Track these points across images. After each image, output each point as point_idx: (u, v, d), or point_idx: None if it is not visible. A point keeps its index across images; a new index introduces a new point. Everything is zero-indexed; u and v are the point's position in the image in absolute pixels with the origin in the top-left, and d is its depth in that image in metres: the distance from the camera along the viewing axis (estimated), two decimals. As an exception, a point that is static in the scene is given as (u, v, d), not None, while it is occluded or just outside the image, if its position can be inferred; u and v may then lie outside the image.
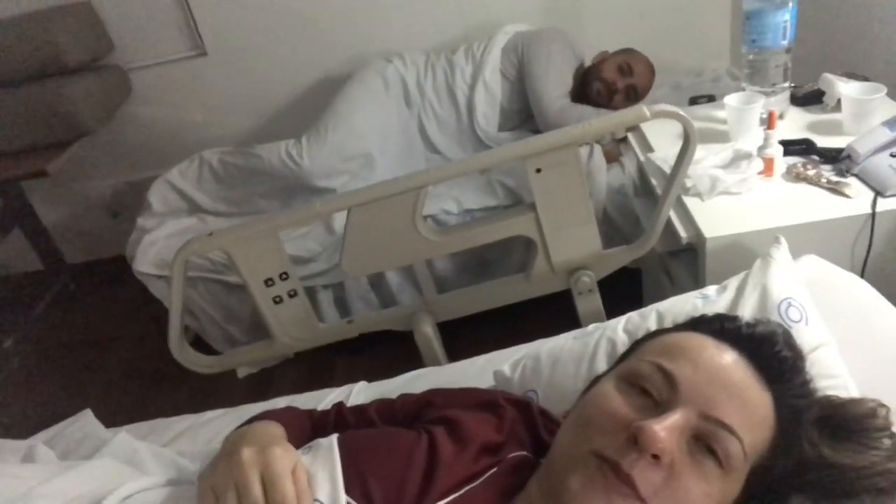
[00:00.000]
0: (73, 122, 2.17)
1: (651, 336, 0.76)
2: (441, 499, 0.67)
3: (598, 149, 2.03)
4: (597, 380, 0.76)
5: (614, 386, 0.67)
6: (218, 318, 2.11)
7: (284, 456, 0.66)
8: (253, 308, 1.97)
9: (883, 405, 0.71)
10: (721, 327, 0.71)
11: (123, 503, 0.70)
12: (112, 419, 1.22)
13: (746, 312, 0.88)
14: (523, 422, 0.83)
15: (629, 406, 0.64)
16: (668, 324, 0.89)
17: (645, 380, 0.65)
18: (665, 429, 0.59)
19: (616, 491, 0.59)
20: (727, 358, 0.66)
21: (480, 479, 0.71)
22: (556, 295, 1.59)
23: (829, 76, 1.58)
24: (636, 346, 0.77)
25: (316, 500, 0.65)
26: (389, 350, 1.85)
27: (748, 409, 0.63)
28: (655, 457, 0.59)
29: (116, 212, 2.78)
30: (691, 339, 0.69)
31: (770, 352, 0.68)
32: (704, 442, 0.61)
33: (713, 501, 0.62)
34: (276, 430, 0.77)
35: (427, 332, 1.46)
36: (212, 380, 1.96)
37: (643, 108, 1.22)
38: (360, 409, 0.90)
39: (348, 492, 0.65)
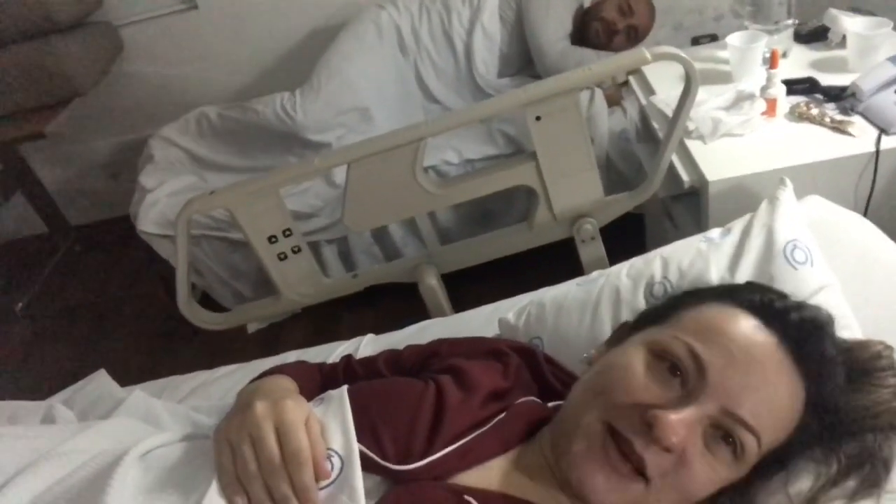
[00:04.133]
0: (66, 82, 2.14)
1: (692, 300, 0.71)
2: (450, 444, 0.68)
3: (599, 93, 2.00)
4: (626, 328, 0.75)
5: (642, 359, 0.64)
6: (224, 275, 2.13)
7: (297, 408, 0.67)
8: (259, 264, 1.98)
9: (888, 346, 0.71)
10: (769, 305, 0.67)
11: (143, 458, 0.71)
12: (125, 378, 1.24)
13: (752, 254, 0.88)
14: (529, 368, 0.85)
15: (653, 384, 0.62)
16: (672, 269, 0.90)
17: (675, 359, 0.63)
18: (682, 423, 0.59)
19: (615, 469, 0.61)
20: (766, 352, 0.63)
21: (489, 425, 0.73)
22: (560, 245, 1.59)
23: (833, 11, 1.55)
24: (674, 306, 0.72)
25: (329, 449, 0.66)
26: (395, 302, 1.87)
27: (775, 411, 0.62)
28: (667, 448, 0.59)
29: (116, 172, 2.77)
30: (733, 323, 0.64)
31: (816, 348, 0.65)
32: (721, 431, 0.61)
33: (717, 486, 0.62)
34: (287, 383, 0.78)
35: (432, 284, 1.47)
36: (222, 336, 1.99)
37: (644, 51, 1.20)
38: (368, 361, 0.91)
39: (360, 440, 0.67)
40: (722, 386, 0.60)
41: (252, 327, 2.21)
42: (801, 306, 0.68)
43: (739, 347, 0.62)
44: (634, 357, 0.65)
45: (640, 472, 0.60)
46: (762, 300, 0.68)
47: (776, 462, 0.65)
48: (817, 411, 0.64)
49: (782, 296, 0.69)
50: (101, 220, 2.90)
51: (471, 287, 1.74)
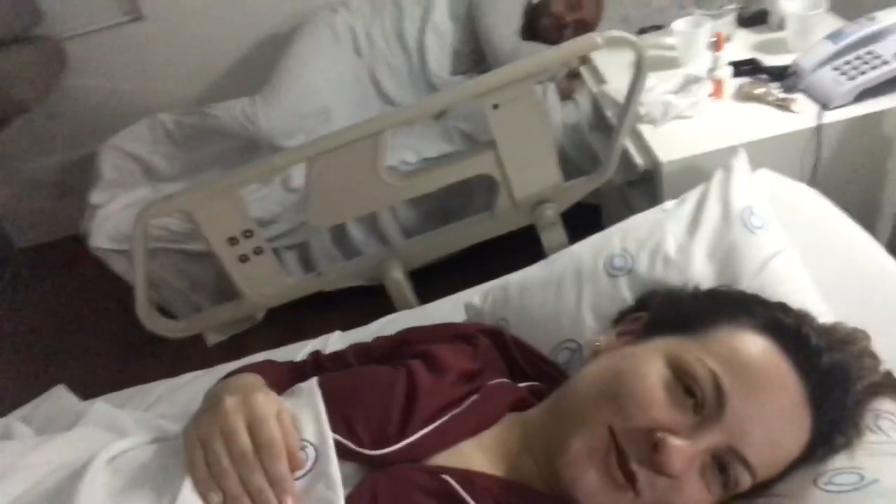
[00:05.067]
0: (7, 98, 2.08)
1: (727, 316, 0.67)
2: (424, 427, 0.68)
3: (551, 87, 2.03)
4: (642, 321, 0.73)
5: (661, 373, 0.62)
6: (182, 287, 2.09)
7: (267, 401, 0.66)
8: (217, 274, 1.95)
9: (867, 336, 0.71)
10: (805, 340, 0.65)
11: (111, 463, 0.69)
12: (86, 398, 1.20)
13: (710, 221, 0.90)
14: (498, 349, 0.85)
15: (668, 402, 0.61)
16: (630, 241, 0.91)
17: (696, 384, 0.61)
18: (688, 454, 0.58)
19: (612, 477, 0.60)
20: (790, 399, 0.62)
21: (462, 406, 0.73)
22: (524, 235, 1.60)
23: (772, -6, 1.60)
24: (705, 319, 0.68)
25: (303, 439, 0.65)
26: (360, 304, 1.85)
27: (778, 455, 0.62)
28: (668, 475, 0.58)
29: (63, 191, 2.69)
30: (764, 361, 0.62)
31: (837, 401, 0.64)
32: (719, 461, 0.60)
33: None
34: (255, 379, 0.77)
35: (397, 278, 1.47)
36: (183, 350, 1.95)
37: (594, 36, 1.22)
38: (337, 355, 0.91)
39: (333, 429, 0.66)
40: (735, 423, 0.59)
41: (212, 340, 2.16)
42: (832, 348, 0.65)
43: (764, 387, 0.61)
44: (653, 368, 0.63)
45: (632, 483, 0.60)
46: (798, 335, 0.65)
47: (761, 490, 0.65)
48: (816, 446, 0.64)
49: (817, 331, 0.67)
50: (46, 242, 2.81)
51: (437, 283, 1.74)
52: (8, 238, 2.75)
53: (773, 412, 0.61)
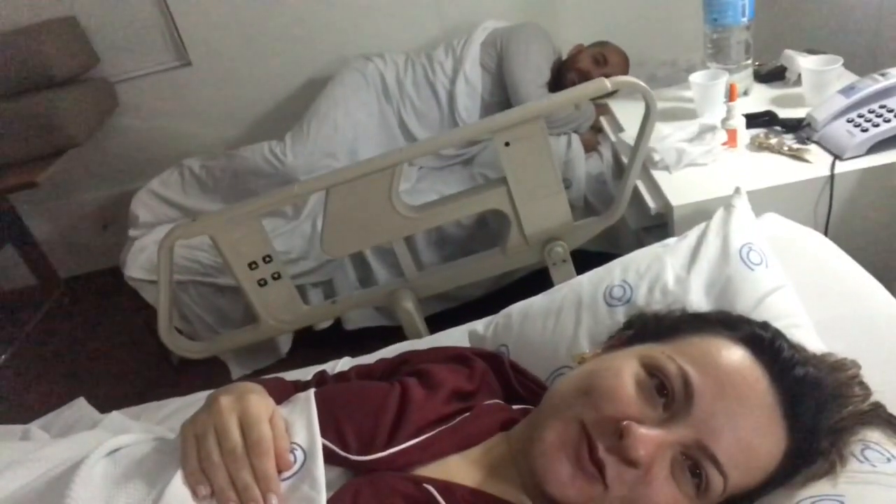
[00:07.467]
0: (60, 134, 2.21)
1: (699, 325, 0.71)
2: (411, 438, 0.70)
3: (576, 138, 2.08)
4: (624, 337, 0.75)
5: (634, 371, 0.64)
6: (210, 321, 2.14)
7: (261, 402, 0.69)
8: (244, 308, 2.00)
9: (858, 364, 0.71)
10: (777, 352, 0.65)
11: (111, 455, 0.72)
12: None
13: (709, 255, 0.91)
14: (494, 373, 0.87)
15: (638, 398, 0.62)
16: (631, 273, 0.93)
17: (665, 378, 0.63)
18: (652, 440, 0.59)
19: (582, 467, 0.61)
20: (759, 400, 0.62)
21: (452, 422, 0.74)
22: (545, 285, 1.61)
23: (789, 52, 1.64)
24: (678, 327, 0.71)
25: (293, 443, 0.67)
26: (380, 345, 1.88)
27: (751, 458, 0.61)
28: (631, 461, 0.59)
29: (106, 224, 2.82)
30: (734, 360, 0.64)
31: (811, 411, 0.64)
32: (690, 462, 0.61)
33: None
34: (255, 386, 0.80)
35: (408, 307, 1.49)
36: (209, 384, 1.98)
37: (604, 80, 1.27)
38: (340, 374, 0.94)
39: (324, 436, 0.68)
40: (704, 419, 0.60)
41: (236, 373, 2.20)
42: (807, 361, 0.67)
43: (733, 386, 0.61)
44: (626, 367, 0.65)
45: (603, 481, 0.60)
46: (772, 345, 0.66)
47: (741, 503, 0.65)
48: (793, 460, 0.64)
49: (793, 346, 0.68)
50: (89, 272, 2.92)
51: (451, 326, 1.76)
52: (52, 267, 2.86)
53: (743, 412, 0.61)
